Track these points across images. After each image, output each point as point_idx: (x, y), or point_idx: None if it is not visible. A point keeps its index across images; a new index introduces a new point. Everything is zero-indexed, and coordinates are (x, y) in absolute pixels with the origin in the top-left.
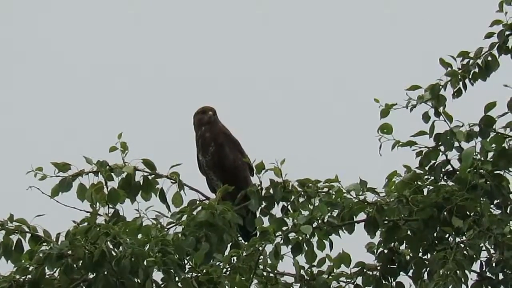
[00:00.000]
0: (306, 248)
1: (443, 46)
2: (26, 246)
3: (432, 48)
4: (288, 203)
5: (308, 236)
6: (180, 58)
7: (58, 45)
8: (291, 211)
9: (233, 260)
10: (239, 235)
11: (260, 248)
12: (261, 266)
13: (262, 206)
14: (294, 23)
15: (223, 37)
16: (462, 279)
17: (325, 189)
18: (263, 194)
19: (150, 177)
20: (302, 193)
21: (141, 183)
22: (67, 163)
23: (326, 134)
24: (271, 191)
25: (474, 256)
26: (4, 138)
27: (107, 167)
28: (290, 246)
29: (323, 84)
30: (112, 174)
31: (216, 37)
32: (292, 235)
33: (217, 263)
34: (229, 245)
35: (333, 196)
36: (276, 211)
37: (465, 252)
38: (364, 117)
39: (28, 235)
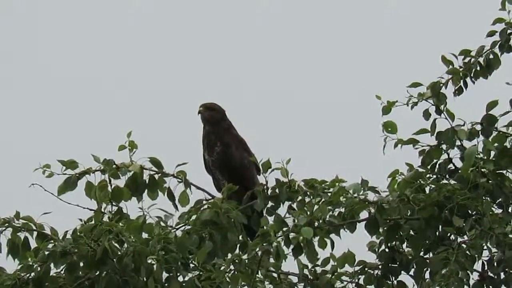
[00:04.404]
0: (307, 249)
1: (445, 44)
2: (33, 245)
3: (433, 47)
4: (294, 202)
5: (309, 238)
6: (180, 58)
7: (58, 46)
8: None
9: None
10: (244, 234)
11: (260, 252)
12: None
13: (268, 206)
14: (294, 22)
15: (225, 36)
16: (464, 279)
17: (331, 189)
18: (269, 194)
19: (156, 176)
20: (308, 193)
21: (148, 182)
22: (74, 161)
23: (331, 133)
24: (276, 190)
25: (476, 256)
26: (6, 138)
27: (114, 165)
28: (291, 247)
29: (324, 83)
30: (119, 172)
31: (218, 36)
32: (292, 235)
33: (219, 267)
34: (238, 246)
35: (334, 195)
36: (283, 211)
37: (467, 252)
38: (365, 115)
39: (35, 233)
